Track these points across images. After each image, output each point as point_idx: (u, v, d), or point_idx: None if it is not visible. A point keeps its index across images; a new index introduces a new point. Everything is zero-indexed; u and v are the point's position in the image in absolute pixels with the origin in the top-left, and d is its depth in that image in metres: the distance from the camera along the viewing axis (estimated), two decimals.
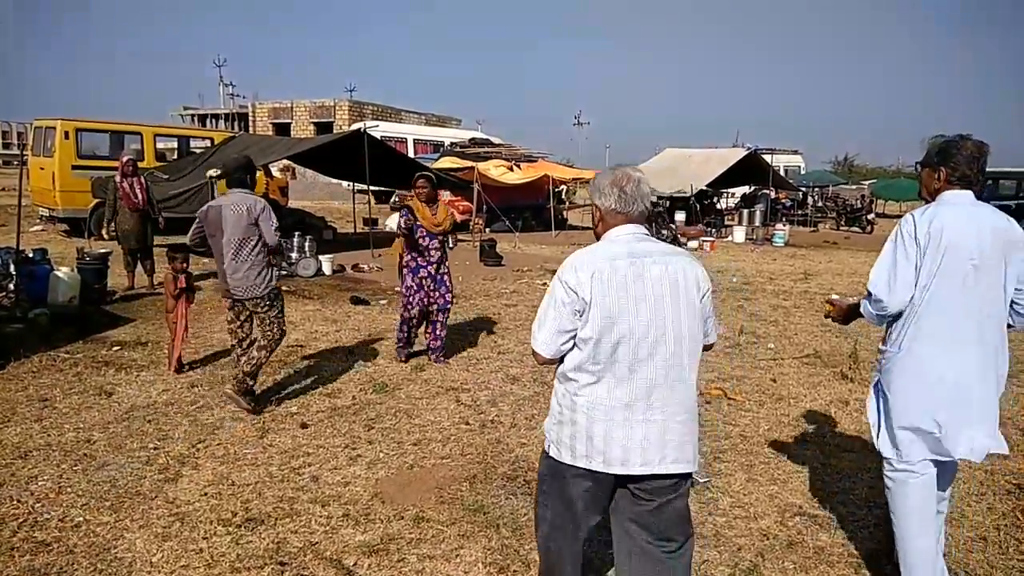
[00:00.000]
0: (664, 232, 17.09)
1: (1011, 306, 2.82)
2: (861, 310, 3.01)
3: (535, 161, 21.56)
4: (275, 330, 5.07)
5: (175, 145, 16.96)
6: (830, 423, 5.07)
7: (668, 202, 20.97)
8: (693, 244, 17.22)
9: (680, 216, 20.38)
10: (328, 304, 8.94)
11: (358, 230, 17.26)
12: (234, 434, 4.64)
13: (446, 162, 19.33)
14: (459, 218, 19.71)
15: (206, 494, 3.81)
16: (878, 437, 2.97)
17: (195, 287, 6.21)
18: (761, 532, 3.53)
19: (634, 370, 2.27)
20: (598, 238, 2.45)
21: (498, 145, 23.51)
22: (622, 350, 2.26)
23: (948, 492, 3.03)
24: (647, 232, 2.42)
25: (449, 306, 6.38)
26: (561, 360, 2.39)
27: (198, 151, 15.15)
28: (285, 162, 23.31)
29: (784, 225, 20.16)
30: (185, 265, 5.92)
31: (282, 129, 43.74)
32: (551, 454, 2.43)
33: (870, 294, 2.87)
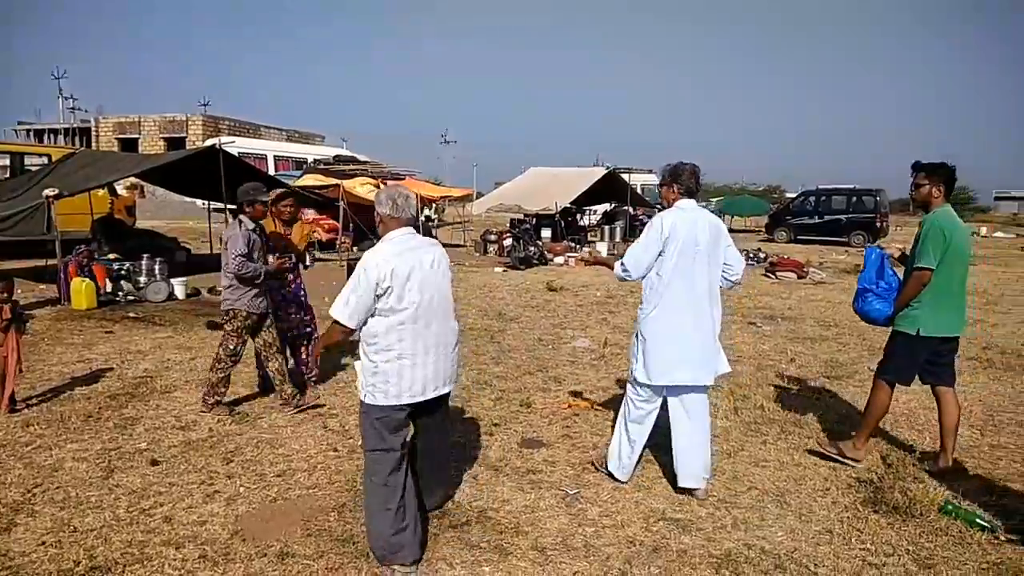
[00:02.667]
0: (532, 248, 17.41)
1: (721, 275, 4.09)
2: (614, 270, 4.20)
3: (403, 179, 21.41)
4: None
5: (7, 163, 15.48)
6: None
7: (534, 219, 21.42)
8: (559, 260, 17.66)
9: (546, 233, 20.86)
10: (181, 331, 8.42)
11: (215, 251, 16.40)
12: (75, 475, 4.25)
13: (310, 180, 18.78)
14: (324, 237, 19.35)
15: (44, 543, 3.46)
16: (636, 369, 4.10)
17: (25, 316, 5.63)
18: (628, 539, 3.63)
19: (428, 326, 3.34)
20: (378, 238, 3.45)
21: (364, 162, 23.17)
22: (419, 313, 3.30)
23: (704, 410, 4.17)
24: (414, 233, 3.45)
25: (309, 330, 6.13)
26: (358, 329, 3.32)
27: (34, 168, 13.89)
28: (133, 180, 21.94)
29: None
30: (8, 295, 5.32)
31: (129, 145, 40.99)
32: (368, 402, 3.35)
33: (623, 265, 4.08)
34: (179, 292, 10.81)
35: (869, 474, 4.44)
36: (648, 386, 4.08)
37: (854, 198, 26.89)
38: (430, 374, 3.35)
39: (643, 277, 4.03)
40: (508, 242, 18.73)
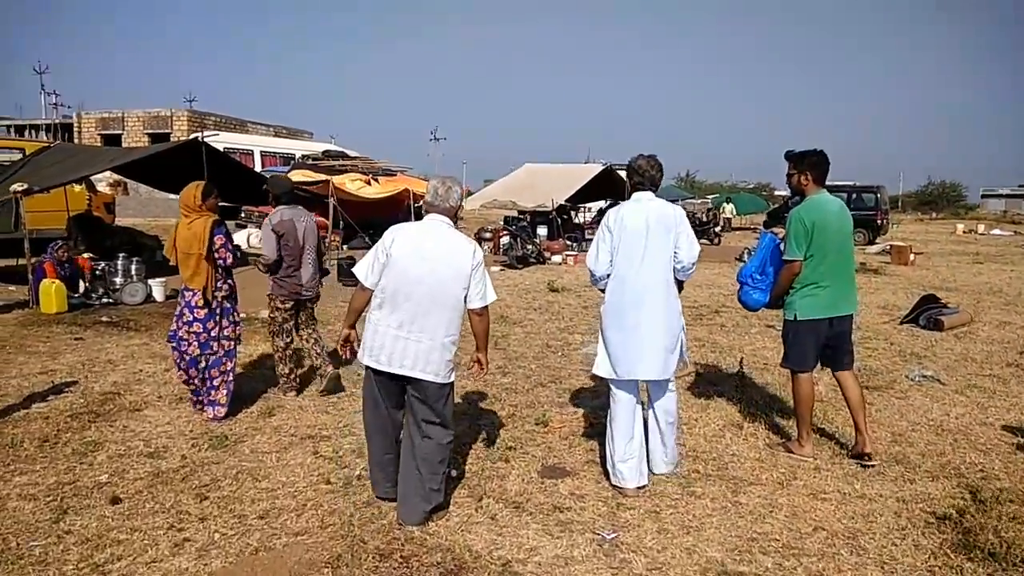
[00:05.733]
0: (529, 247, 16.79)
1: (673, 267, 4.01)
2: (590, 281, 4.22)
3: (394, 175, 20.70)
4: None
5: None
6: (728, 451, 4.70)
7: (528, 217, 20.79)
8: (557, 259, 17.05)
9: (542, 231, 20.22)
10: (158, 337, 7.71)
11: None
12: (20, 518, 3.59)
13: (298, 175, 18.02)
14: None
15: None
16: (599, 365, 4.11)
17: None
18: None
19: (406, 301, 3.52)
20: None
21: (354, 158, 22.42)
22: (399, 287, 3.52)
23: (667, 401, 4.14)
24: (451, 224, 3.62)
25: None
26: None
27: (7, 164, 13.11)
28: (116, 176, 21.11)
29: None
30: None
31: (112, 141, 39.99)
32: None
33: (589, 269, 4.14)
34: (158, 294, 10.12)
35: (946, 508, 3.84)
36: (616, 380, 4.04)
37: (854, 195, 26.40)
38: (398, 349, 3.46)
39: (608, 269, 4.01)
40: (505, 240, 18.11)
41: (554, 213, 20.96)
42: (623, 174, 24.14)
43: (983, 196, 76.00)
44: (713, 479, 4.26)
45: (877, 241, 24.66)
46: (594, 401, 5.73)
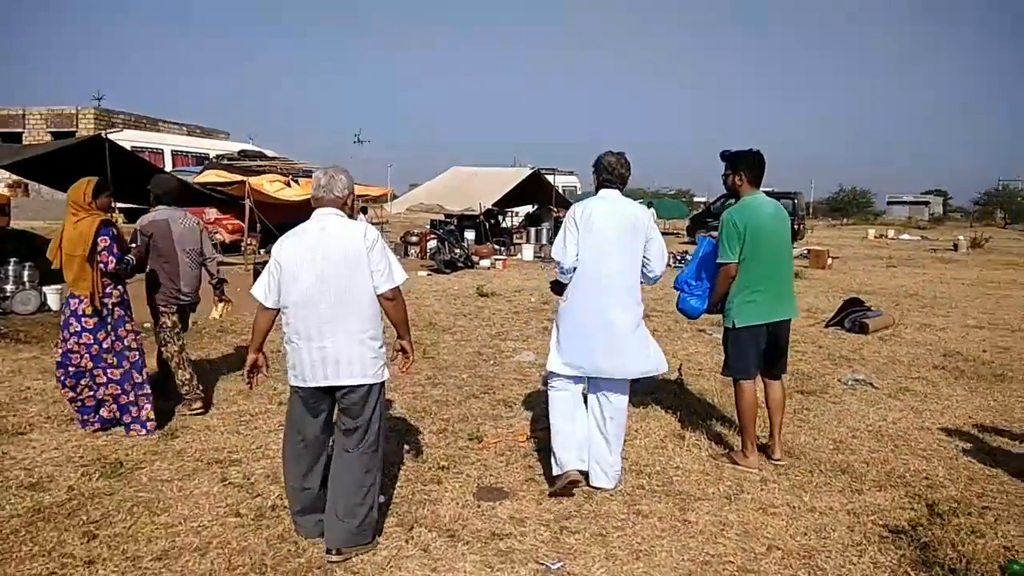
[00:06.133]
0: (457, 251, 16.42)
1: (642, 270, 3.95)
2: (556, 275, 4.09)
3: None
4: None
5: None
6: (672, 463, 4.48)
7: (456, 220, 20.43)
8: (486, 263, 16.75)
9: (470, 235, 19.87)
10: (49, 349, 6.98)
11: None
12: None
13: (211, 176, 17.12)
14: (228, 239, 17.74)
15: None
16: (552, 360, 4.00)
17: None
18: None
19: (315, 308, 3.22)
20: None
21: (272, 158, 21.56)
22: (309, 296, 3.25)
23: (617, 399, 4.02)
24: (341, 214, 3.32)
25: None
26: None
27: None
28: (15, 177, 19.63)
29: None
30: None
31: (11, 139, 37.46)
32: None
33: (556, 263, 4.01)
34: (53, 302, 9.26)
35: (900, 521, 3.70)
36: (564, 376, 3.99)
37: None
38: (317, 361, 3.21)
39: (575, 261, 3.89)
40: (432, 244, 17.69)
41: (482, 217, 20.67)
42: (551, 178, 24.31)
43: (889, 203, 79.90)
44: (659, 495, 4.02)
45: (795, 245, 25.38)
46: (530, 412, 5.44)
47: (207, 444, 4.62)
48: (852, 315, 9.54)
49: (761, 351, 4.37)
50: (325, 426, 3.38)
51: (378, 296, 3.27)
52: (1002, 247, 28.20)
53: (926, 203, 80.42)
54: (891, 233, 35.98)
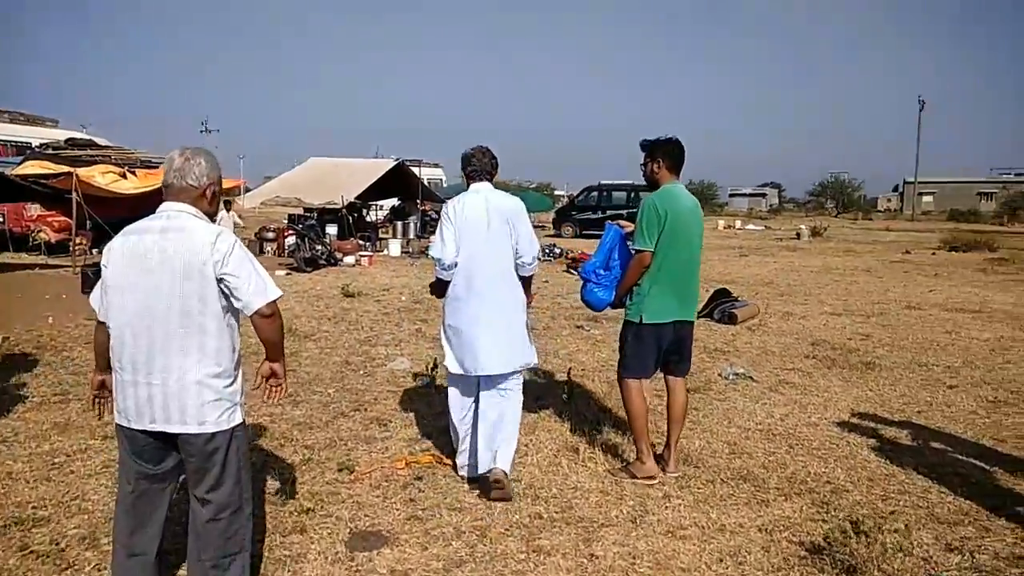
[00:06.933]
0: (318, 247, 15.43)
1: (515, 261, 3.94)
2: (436, 274, 4.00)
3: (156, 168, 18.16)
4: None
5: None
6: (568, 483, 4.06)
7: (316, 215, 19.31)
8: (350, 260, 15.85)
9: (332, 230, 18.81)
10: None
11: None
12: None
13: (32, 167, 15.09)
14: (54, 238, 15.75)
15: None
16: (448, 361, 4.00)
17: None
18: None
19: (136, 337, 2.53)
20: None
21: (105, 148, 19.45)
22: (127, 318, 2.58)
23: (506, 404, 4.00)
24: (193, 211, 2.62)
25: None
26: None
27: None
28: None
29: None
30: None
31: None
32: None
33: (435, 260, 3.95)
34: None
35: (815, 537, 3.45)
36: (461, 376, 3.99)
37: (632, 193, 27.95)
38: (141, 398, 2.52)
39: (456, 257, 3.86)
40: (290, 240, 16.57)
41: (345, 211, 19.66)
42: (417, 171, 23.58)
43: (731, 195, 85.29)
44: (559, 524, 3.57)
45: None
46: (409, 431, 4.86)
47: (6, 498, 3.70)
48: (721, 306, 9.62)
49: (662, 352, 4.15)
50: (163, 476, 2.69)
51: (251, 316, 2.57)
52: (839, 235, 30.50)
53: (763, 195, 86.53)
54: (739, 224, 38.03)
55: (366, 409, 5.32)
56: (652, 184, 4.16)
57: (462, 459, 4.09)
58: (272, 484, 3.92)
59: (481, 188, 3.97)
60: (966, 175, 72.70)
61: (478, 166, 4.00)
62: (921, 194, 64.27)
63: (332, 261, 15.45)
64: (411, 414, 5.21)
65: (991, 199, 63.60)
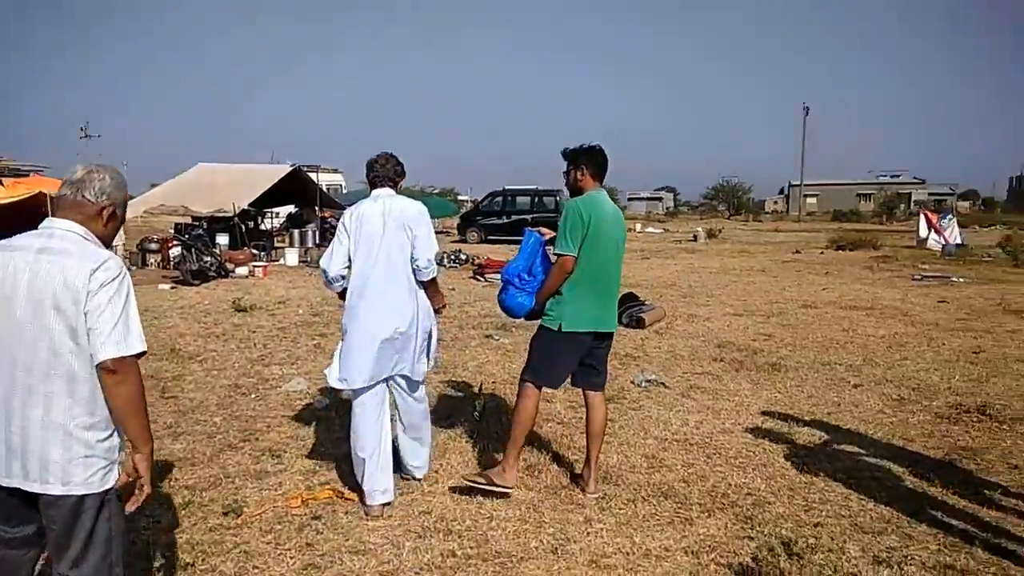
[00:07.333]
0: (207, 258, 14.49)
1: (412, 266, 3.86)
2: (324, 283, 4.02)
3: (27, 176, 16.65)
4: None
5: None
6: (483, 512, 3.76)
7: (205, 223, 18.23)
8: (243, 271, 14.98)
9: (223, 239, 17.79)
10: None
11: None
12: None
13: None
14: None
15: None
16: (330, 373, 3.92)
17: None
18: None
19: None
20: None
21: None
22: None
23: (416, 404, 4.06)
24: (81, 232, 2.18)
25: None
26: None
27: None
28: None
29: None
30: None
31: None
32: None
33: (322, 270, 3.97)
34: None
35: (743, 558, 3.29)
36: (365, 388, 3.85)
37: (536, 199, 28.05)
38: (1, 448, 2.11)
39: (343, 275, 3.90)
40: (176, 251, 15.50)
41: (237, 219, 18.65)
42: (314, 176, 22.73)
43: (629, 199, 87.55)
44: (474, 562, 3.27)
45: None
46: (306, 461, 4.43)
47: None
48: (628, 310, 9.57)
49: (576, 365, 4.00)
50: (24, 541, 2.24)
51: (96, 366, 2.08)
52: (733, 236, 31.62)
53: (660, 199, 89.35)
54: (639, 227, 38.84)
55: (257, 439, 4.84)
56: (575, 192, 4.04)
57: (369, 485, 3.75)
58: (145, 537, 3.42)
59: (381, 194, 3.92)
60: (845, 177, 77.36)
61: (381, 172, 3.96)
62: (806, 196, 67.80)
63: (223, 273, 14.54)
64: (308, 442, 4.78)
65: (870, 200, 67.78)
